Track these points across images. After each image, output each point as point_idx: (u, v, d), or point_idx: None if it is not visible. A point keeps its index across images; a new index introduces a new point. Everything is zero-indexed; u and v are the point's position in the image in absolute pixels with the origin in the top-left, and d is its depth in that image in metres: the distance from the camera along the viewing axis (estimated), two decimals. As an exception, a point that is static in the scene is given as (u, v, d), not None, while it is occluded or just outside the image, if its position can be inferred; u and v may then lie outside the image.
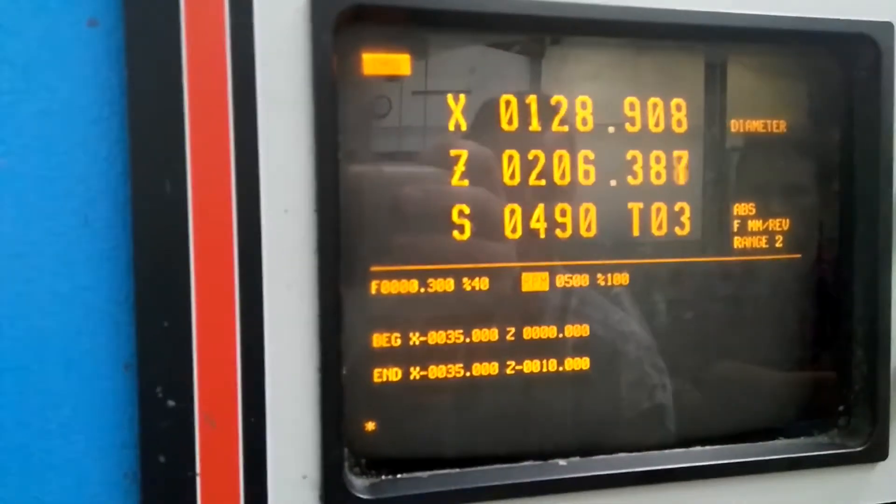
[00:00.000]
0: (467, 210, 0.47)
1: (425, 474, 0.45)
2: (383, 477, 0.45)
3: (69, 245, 0.41)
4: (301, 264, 0.43)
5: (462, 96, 0.47)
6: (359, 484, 0.44)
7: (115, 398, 0.42)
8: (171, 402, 0.41)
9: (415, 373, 0.46)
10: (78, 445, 0.42)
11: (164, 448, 0.41)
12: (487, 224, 0.48)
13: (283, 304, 0.42)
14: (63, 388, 0.41)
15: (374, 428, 0.46)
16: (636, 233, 0.51)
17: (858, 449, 0.51)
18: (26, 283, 0.41)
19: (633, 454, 0.48)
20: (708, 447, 0.50)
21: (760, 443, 0.51)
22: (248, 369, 0.42)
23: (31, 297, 0.41)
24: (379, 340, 0.46)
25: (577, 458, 0.48)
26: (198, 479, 0.42)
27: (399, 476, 0.45)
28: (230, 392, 0.42)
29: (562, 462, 0.47)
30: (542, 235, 0.49)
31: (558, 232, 0.49)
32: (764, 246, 0.54)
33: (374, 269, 0.46)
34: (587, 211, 0.49)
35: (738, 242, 0.53)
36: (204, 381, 0.41)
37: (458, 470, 0.46)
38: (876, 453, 0.51)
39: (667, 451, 0.49)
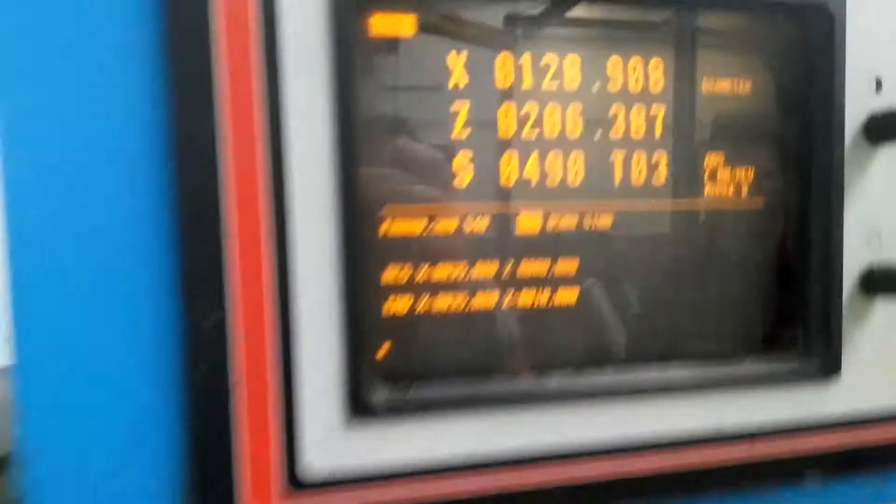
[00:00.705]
0: (467, 158, 0.53)
1: (433, 385, 0.51)
2: (398, 387, 0.50)
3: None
4: (323, 200, 0.48)
5: (462, 54, 0.53)
6: (377, 394, 0.49)
7: (158, 320, 0.47)
8: (209, 321, 0.46)
9: (422, 303, 0.52)
10: (126, 361, 0.47)
11: (202, 363, 0.46)
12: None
13: (309, 236, 0.48)
14: (109, 309, 0.46)
15: (388, 350, 0.51)
16: (618, 180, 0.57)
17: (815, 367, 0.57)
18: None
19: (619, 369, 0.55)
20: (687, 363, 0.56)
21: (732, 364, 0.57)
22: (279, 292, 0.47)
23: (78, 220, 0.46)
24: (391, 273, 0.51)
25: (568, 374, 0.54)
26: (235, 390, 0.47)
27: (412, 386, 0.51)
28: (263, 311, 0.47)
29: (554, 377, 0.53)
30: (534, 183, 0.55)
31: (548, 180, 0.55)
32: (731, 194, 0.60)
33: (385, 209, 0.51)
34: (575, 160, 0.55)
35: (708, 189, 0.59)
36: (240, 303, 0.46)
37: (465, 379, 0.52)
38: (830, 370, 0.58)
39: (650, 366, 0.55)
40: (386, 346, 0.51)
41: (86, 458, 0.46)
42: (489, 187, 0.54)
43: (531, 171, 0.55)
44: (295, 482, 0.47)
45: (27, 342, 0.45)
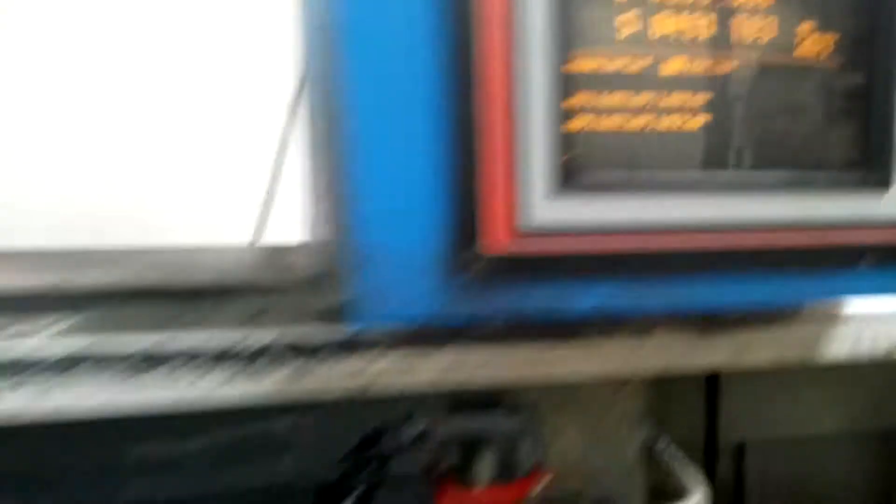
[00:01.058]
0: (628, 17, 0.74)
1: (620, 171, 0.74)
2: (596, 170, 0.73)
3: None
4: (537, 38, 0.69)
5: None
6: (580, 174, 0.71)
7: (436, 118, 0.69)
8: (470, 116, 0.68)
9: (598, 120, 0.74)
10: (415, 147, 0.69)
11: (463, 147, 0.69)
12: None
13: (528, 60, 0.69)
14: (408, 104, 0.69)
15: (583, 148, 0.73)
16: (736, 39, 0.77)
17: (873, 179, 0.79)
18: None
19: (735, 170, 0.77)
20: (780, 169, 0.78)
21: (813, 172, 0.79)
22: (511, 96, 0.69)
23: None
24: (579, 98, 0.73)
25: (699, 172, 0.76)
26: (482, 165, 0.69)
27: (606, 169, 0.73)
28: (500, 110, 0.69)
29: (690, 173, 0.75)
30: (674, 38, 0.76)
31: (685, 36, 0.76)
32: (818, 54, 0.80)
33: (576, 50, 0.72)
34: (707, 21, 0.76)
35: (799, 51, 0.80)
36: (486, 105, 0.68)
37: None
38: (884, 182, 0.79)
39: (754, 170, 0.77)
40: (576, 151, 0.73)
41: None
42: (643, 39, 0.75)
43: (673, 27, 0.75)
44: (521, 228, 0.70)
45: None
